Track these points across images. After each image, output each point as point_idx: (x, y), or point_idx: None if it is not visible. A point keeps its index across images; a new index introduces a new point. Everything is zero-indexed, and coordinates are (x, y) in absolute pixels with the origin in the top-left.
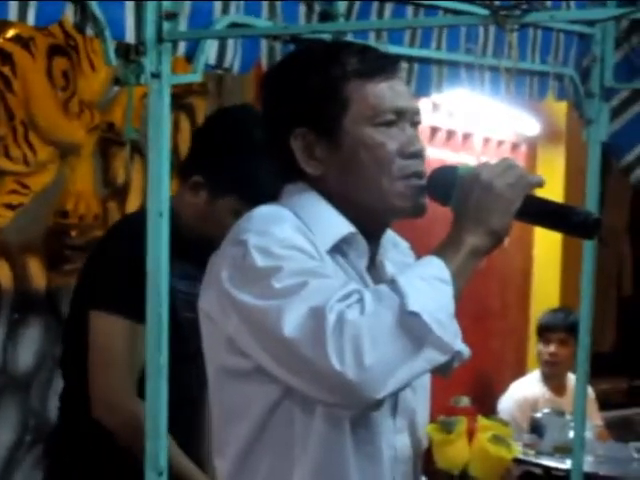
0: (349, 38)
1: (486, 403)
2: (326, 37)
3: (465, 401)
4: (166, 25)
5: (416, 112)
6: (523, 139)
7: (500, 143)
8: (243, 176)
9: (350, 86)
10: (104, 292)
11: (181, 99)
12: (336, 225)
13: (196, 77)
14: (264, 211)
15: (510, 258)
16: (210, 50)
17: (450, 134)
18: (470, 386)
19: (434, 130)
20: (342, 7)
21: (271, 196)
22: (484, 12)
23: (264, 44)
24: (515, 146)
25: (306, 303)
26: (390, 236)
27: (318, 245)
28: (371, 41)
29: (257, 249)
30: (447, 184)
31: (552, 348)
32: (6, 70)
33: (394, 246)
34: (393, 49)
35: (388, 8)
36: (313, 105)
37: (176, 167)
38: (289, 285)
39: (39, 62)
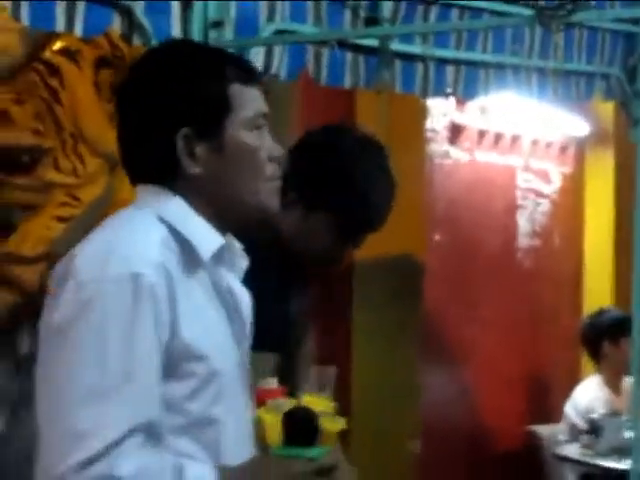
0: (395, 42)
1: (542, 406)
2: (372, 42)
3: (273, 382)
4: (212, 33)
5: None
6: (571, 140)
7: (548, 145)
8: (336, 191)
9: (232, 89)
10: None
11: None
12: (211, 237)
13: None
14: (131, 240)
15: (561, 262)
16: (257, 57)
17: (498, 137)
18: (525, 390)
19: (482, 133)
20: (387, 11)
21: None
22: (529, 13)
23: (310, 50)
24: (563, 148)
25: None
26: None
27: (201, 254)
28: (417, 45)
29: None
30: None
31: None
32: (54, 82)
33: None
34: (439, 52)
35: (433, 11)
36: (197, 106)
37: None
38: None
39: (86, 74)
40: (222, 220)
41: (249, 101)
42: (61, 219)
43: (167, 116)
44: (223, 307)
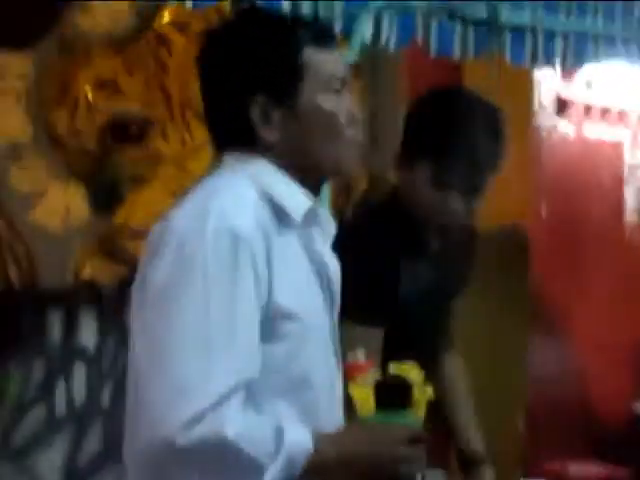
0: (505, 8)
1: None
2: (482, 13)
3: (361, 355)
4: (322, 3)
5: (349, 80)
6: None
7: None
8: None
9: (305, 54)
10: None
11: None
12: (301, 199)
13: (353, 55)
14: (228, 198)
15: None
16: (366, 28)
17: (605, 111)
18: (633, 367)
19: (588, 108)
20: None
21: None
22: None
23: (420, 20)
24: None
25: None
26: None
27: (293, 216)
28: (527, 15)
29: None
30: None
31: None
32: (163, 53)
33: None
34: (549, 23)
35: None
36: (271, 72)
37: None
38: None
39: (195, 46)
40: (303, 184)
41: (324, 65)
42: (170, 191)
43: (240, 83)
44: (315, 271)
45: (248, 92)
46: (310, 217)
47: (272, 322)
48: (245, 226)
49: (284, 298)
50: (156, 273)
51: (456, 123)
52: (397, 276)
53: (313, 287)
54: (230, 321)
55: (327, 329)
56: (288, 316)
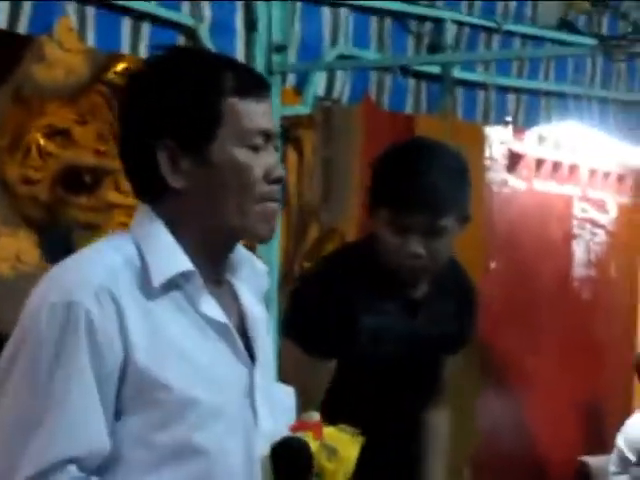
0: (457, 69)
1: (596, 437)
2: (434, 69)
3: (315, 416)
4: (276, 57)
5: (276, 135)
6: (629, 171)
7: (606, 175)
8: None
9: (226, 103)
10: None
11: (289, 132)
12: (173, 261)
13: (306, 109)
14: (76, 272)
15: (617, 292)
16: (319, 82)
17: (556, 166)
18: (580, 419)
19: (540, 162)
20: (450, 38)
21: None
22: (592, 42)
23: (373, 75)
24: (621, 178)
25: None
26: (246, 256)
27: (152, 277)
28: (479, 72)
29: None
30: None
31: None
32: (117, 103)
33: (251, 268)
34: (501, 80)
35: (496, 39)
36: (185, 117)
37: (284, 199)
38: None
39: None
40: (210, 239)
41: (245, 116)
42: None
43: (149, 125)
44: (214, 330)
45: (156, 135)
46: (192, 279)
47: (139, 390)
48: (82, 300)
49: (148, 365)
50: (4, 350)
51: (412, 168)
52: (364, 314)
53: (209, 346)
54: (53, 396)
55: (239, 389)
56: (156, 384)
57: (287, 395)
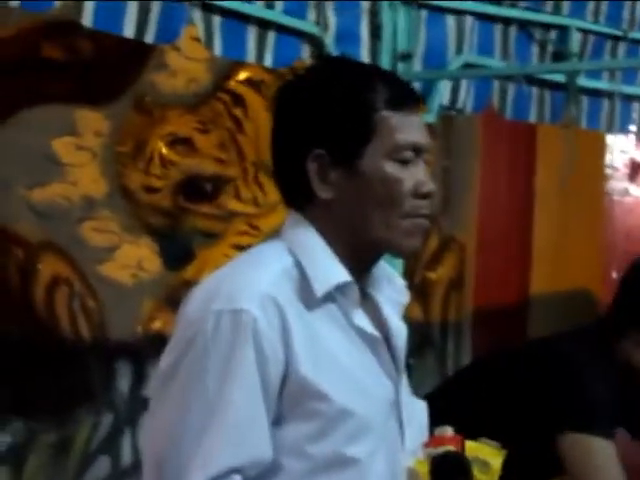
0: (582, 78)
1: None
2: (559, 77)
3: (449, 430)
4: (401, 66)
5: (428, 149)
6: None
7: None
8: None
9: (379, 116)
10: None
11: None
12: (333, 272)
13: (431, 117)
14: (240, 279)
15: None
16: (444, 90)
17: None
18: None
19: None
20: (575, 46)
21: None
22: None
23: (496, 84)
24: None
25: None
26: (386, 270)
27: (315, 287)
28: (604, 81)
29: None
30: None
31: None
32: (238, 112)
33: (389, 282)
34: (626, 89)
35: (622, 47)
36: (338, 129)
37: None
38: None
39: (269, 104)
40: (356, 251)
41: (398, 130)
42: (239, 247)
43: (301, 134)
44: (364, 342)
45: (308, 145)
46: (347, 291)
47: (298, 400)
48: (249, 307)
49: (309, 375)
50: (164, 356)
51: None
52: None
53: (360, 358)
54: (223, 404)
55: (386, 402)
56: (316, 394)
57: (421, 410)
